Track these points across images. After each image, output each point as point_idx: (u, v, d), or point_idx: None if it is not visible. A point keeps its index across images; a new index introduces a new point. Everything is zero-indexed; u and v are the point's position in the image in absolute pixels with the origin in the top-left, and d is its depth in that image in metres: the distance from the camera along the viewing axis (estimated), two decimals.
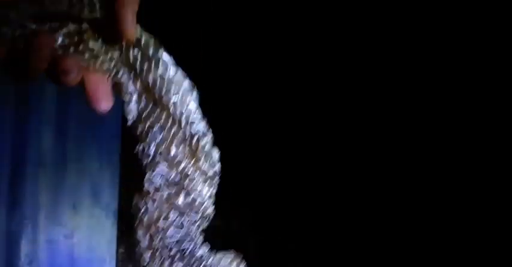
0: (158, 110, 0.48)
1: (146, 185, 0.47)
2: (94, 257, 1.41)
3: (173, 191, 0.47)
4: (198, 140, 0.47)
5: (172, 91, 0.47)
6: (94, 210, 1.36)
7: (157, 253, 0.49)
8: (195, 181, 0.47)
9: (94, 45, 0.45)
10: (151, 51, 0.46)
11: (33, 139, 1.15)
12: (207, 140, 0.47)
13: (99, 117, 1.29)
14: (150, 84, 0.47)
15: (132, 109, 0.48)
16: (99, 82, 0.47)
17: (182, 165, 0.47)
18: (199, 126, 0.47)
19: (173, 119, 0.47)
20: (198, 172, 0.47)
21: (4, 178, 1.08)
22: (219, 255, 0.51)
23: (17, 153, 1.10)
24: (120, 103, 1.45)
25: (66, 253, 1.27)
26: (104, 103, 0.45)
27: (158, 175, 0.47)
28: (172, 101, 0.47)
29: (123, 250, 2.06)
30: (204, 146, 0.47)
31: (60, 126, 1.22)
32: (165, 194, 0.47)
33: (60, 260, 1.26)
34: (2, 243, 1.09)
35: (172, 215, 0.47)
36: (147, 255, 0.49)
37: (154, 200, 0.47)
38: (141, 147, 0.48)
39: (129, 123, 0.48)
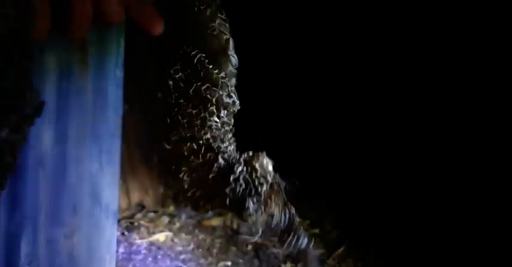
0: None
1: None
2: (94, 257, 1.41)
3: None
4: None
5: None
6: (94, 210, 1.36)
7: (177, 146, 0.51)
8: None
9: None
10: None
11: (33, 139, 1.15)
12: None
13: (99, 116, 1.29)
14: None
15: None
16: (140, 3, 0.46)
17: None
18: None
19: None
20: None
21: None
22: (247, 155, 0.52)
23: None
24: (120, 103, 1.45)
25: (66, 253, 1.27)
26: (156, 23, 0.45)
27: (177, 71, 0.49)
28: None
29: (123, 250, 2.06)
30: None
31: (60, 126, 1.22)
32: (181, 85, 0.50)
33: (60, 260, 1.26)
34: (2, 243, 1.09)
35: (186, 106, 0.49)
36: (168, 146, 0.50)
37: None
38: None
39: None
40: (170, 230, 2.19)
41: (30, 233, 1.14)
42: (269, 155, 2.60)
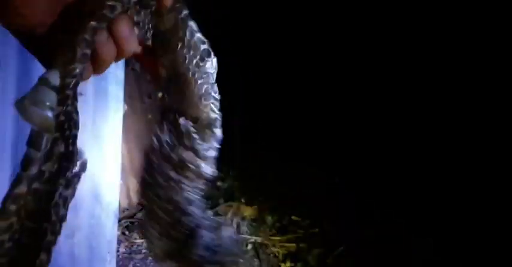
0: None
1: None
2: (94, 256, 1.41)
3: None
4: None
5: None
6: (95, 210, 1.36)
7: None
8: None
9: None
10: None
11: None
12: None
13: (100, 117, 1.30)
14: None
15: None
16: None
17: None
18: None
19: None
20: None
21: (5, 179, 1.08)
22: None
23: (17, 153, 1.10)
24: (121, 103, 1.45)
25: (67, 253, 1.28)
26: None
27: None
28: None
29: (123, 250, 2.07)
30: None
31: None
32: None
33: (61, 260, 1.26)
34: None
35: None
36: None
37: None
38: None
39: None
40: None
41: None
42: (270, 150, 2.58)
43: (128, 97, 1.97)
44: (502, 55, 2.05)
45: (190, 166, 0.53)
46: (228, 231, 0.55)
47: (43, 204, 0.45)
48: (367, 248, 1.94)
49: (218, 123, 0.54)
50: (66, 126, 0.45)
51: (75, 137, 0.46)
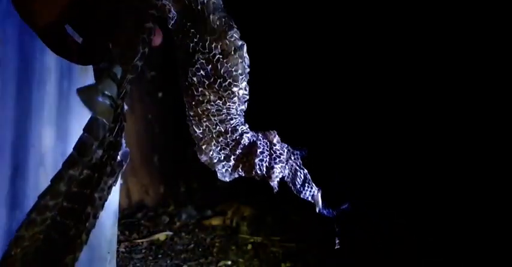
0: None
1: (190, 78, 0.56)
2: (95, 256, 1.41)
3: (211, 80, 0.56)
4: (227, 36, 0.55)
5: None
6: None
7: (207, 129, 0.58)
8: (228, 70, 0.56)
9: None
10: None
11: (34, 139, 1.15)
12: (235, 34, 0.56)
13: None
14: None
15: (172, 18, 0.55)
16: None
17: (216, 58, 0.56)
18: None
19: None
20: (230, 63, 0.56)
21: (5, 179, 1.08)
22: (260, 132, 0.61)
23: (17, 153, 1.10)
24: None
25: None
26: (158, 37, 0.52)
27: (198, 69, 0.56)
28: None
29: (123, 249, 2.07)
30: (233, 40, 0.55)
31: (61, 126, 1.22)
32: (206, 82, 0.56)
33: None
34: (3, 243, 1.09)
35: (213, 98, 0.57)
36: (199, 131, 0.58)
37: (197, 89, 0.56)
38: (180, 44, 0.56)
39: (171, 27, 0.55)
40: (170, 230, 2.19)
41: None
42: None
43: (128, 97, 1.97)
44: (502, 55, 2.05)
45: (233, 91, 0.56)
46: (275, 137, 0.61)
47: (89, 189, 0.46)
48: (368, 248, 1.94)
49: (245, 48, 0.56)
50: (120, 118, 0.47)
51: (123, 129, 0.48)
